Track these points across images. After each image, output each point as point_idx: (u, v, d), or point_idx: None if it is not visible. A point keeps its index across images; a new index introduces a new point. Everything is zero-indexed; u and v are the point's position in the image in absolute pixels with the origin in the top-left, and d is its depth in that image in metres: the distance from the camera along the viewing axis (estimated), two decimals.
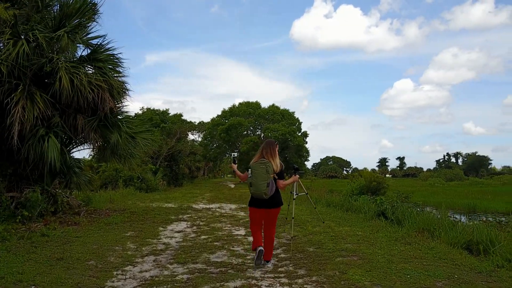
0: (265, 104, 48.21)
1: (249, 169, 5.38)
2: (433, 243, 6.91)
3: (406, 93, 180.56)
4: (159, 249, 6.77)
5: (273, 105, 46.88)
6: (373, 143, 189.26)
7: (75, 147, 11.16)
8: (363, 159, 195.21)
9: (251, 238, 6.50)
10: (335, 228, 8.82)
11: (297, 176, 6.27)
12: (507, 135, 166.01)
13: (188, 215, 11.55)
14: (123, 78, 10.70)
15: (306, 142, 46.47)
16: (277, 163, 5.39)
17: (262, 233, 5.70)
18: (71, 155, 11.30)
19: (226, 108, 48.03)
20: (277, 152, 5.51)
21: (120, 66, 10.51)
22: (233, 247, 7.03)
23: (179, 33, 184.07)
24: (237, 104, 48.10)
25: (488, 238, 6.48)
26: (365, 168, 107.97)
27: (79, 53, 10.40)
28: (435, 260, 5.84)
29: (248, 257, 6.20)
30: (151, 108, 36.05)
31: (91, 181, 12.54)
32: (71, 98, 9.14)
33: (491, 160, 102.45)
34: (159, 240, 7.62)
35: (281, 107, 47.06)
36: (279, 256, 6.26)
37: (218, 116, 47.81)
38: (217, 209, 13.43)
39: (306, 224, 9.41)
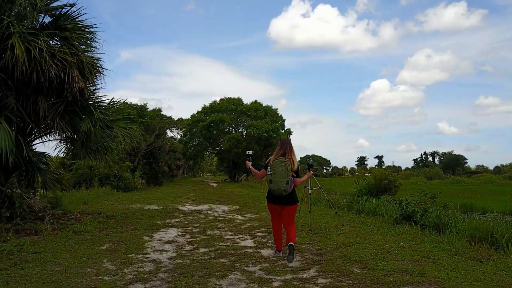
0: (247, 100, 46.24)
1: (268, 167, 5.56)
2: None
3: (382, 93, 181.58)
4: (148, 271, 4.85)
5: (255, 101, 44.96)
6: (350, 142, 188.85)
7: (37, 138, 9.05)
8: (341, 157, 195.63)
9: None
10: (365, 237, 7.09)
11: (311, 172, 6.62)
12: (478, 135, 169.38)
13: (176, 220, 9.61)
14: (97, 55, 8.69)
15: (290, 140, 44.84)
16: (296, 162, 5.60)
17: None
18: (33, 147, 9.19)
19: (207, 104, 45.84)
20: (294, 151, 5.72)
21: (93, 39, 8.49)
22: (247, 266, 5.18)
23: (152, 30, 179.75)
24: (218, 100, 46.00)
25: None
26: (344, 167, 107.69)
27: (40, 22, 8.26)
28: None
29: (275, 283, 4.39)
30: (128, 102, 33.57)
31: (60, 179, 10.42)
32: (29, 75, 7.09)
33: (466, 159, 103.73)
34: (146, 256, 5.70)
35: (264, 103, 45.28)
36: (318, 281, 4.47)
37: (198, 112, 45.46)
38: (208, 212, 11.52)
39: (328, 231, 7.66)
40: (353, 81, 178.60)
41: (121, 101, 9.81)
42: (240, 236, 7.43)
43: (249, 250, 6.15)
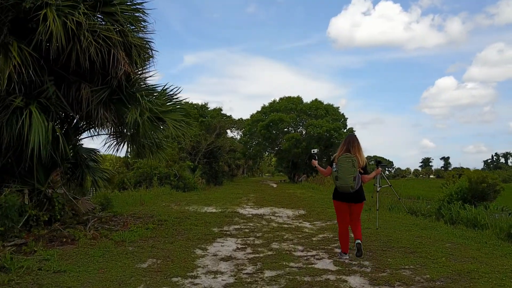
0: (307, 99, 44.21)
1: (334, 164, 5.35)
2: None
3: (448, 91, 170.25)
4: None
5: (316, 100, 42.81)
6: (413, 142, 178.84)
7: (83, 132, 8.05)
8: (404, 159, 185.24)
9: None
10: (486, 260, 5.13)
11: (380, 169, 6.14)
12: None
13: (235, 226, 8.17)
14: (148, 35, 7.48)
15: (355, 135, 42.16)
16: (363, 158, 5.34)
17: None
18: (80, 143, 8.23)
19: (266, 104, 44.52)
20: (361, 147, 5.43)
21: (142, 17, 7.28)
22: None
23: (215, 34, 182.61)
24: (277, 99, 44.45)
25: None
26: (407, 169, 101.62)
27: None
28: None
29: None
30: (189, 102, 33.10)
31: (111, 178, 9.44)
32: (66, 56, 5.98)
33: None
34: (195, 282, 4.25)
35: (325, 102, 43.00)
36: None
37: (257, 112, 44.28)
38: (271, 217, 9.97)
39: (426, 249, 5.77)
40: (416, 79, 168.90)
41: (177, 93, 8.52)
42: (314, 253, 5.78)
43: (331, 277, 4.49)
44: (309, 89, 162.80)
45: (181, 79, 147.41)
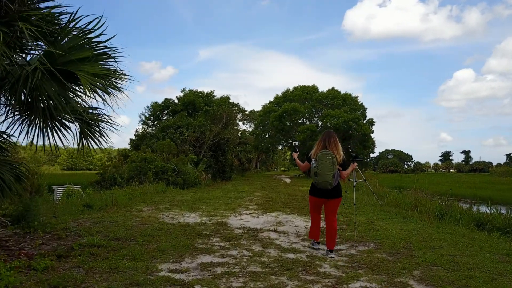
0: (322, 88, 40.26)
1: (313, 159, 5.23)
2: None
3: (467, 83, 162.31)
4: None
5: (332, 88, 38.79)
6: (431, 136, 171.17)
7: None
8: (422, 152, 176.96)
9: None
10: None
11: (355, 164, 5.88)
12: None
13: (204, 259, 4.65)
14: None
15: (372, 131, 38.05)
16: (341, 155, 5.24)
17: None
18: None
19: (279, 94, 40.81)
20: (338, 143, 5.29)
21: None
22: None
23: (228, 29, 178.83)
24: (291, 88, 40.68)
25: None
26: (426, 163, 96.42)
27: None
28: None
29: None
30: (194, 90, 29.62)
31: (27, 176, 6.08)
32: None
33: None
34: None
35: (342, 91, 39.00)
36: None
37: (270, 102, 40.58)
38: (271, 235, 6.43)
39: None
40: (434, 72, 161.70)
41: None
42: None
43: None
44: (323, 82, 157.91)
45: (196, 74, 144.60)
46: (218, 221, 7.58)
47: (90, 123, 5.41)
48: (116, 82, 4.59)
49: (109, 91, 4.44)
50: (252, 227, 7.04)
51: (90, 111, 5.45)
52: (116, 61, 4.69)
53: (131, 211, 9.00)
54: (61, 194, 12.66)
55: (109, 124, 5.58)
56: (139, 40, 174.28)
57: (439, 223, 8.22)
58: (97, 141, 5.61)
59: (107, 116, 5.50)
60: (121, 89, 4.56)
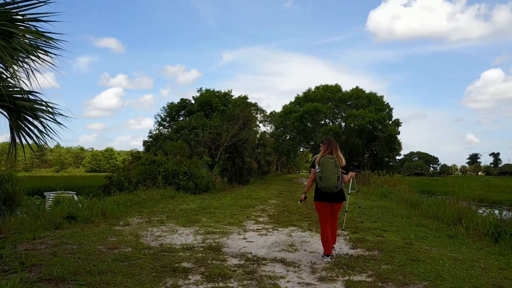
0: (345, 88, 38.02)
1: (317, 165, 5.19)
2: None
3: (495, 84, 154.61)
4: None
5: (356, 87, 36.53)
6: (457, 138, 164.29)
7: None
8: (448, 154, 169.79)
9: None
10: None
11: (354, 172, 6.24)
12: None
13: None
14: None
15: (399, 132, 35.58)
16: (342, 159, 5.29)
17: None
18: None
19: (300, 94, 38.85)
20: (339, 148, 5.38)
21: None
22: None
23: (251, 31, 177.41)
24: (313, 88, 38.65)
25: None
26: (453, 165, 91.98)
27: None
28: None
29: None
30: (211, 90, 28.08)
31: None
32: None
33: None
34: None
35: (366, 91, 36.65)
36: None
37: (291, 103, 38.66)
38: (277, 267, 4.63)
39: None
40: (460, 72, 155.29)
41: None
42: None
43: None
44: (347, 84, 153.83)
45: (219, 77, 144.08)
46: (213, 243, 5.86)
47: (23, 111, 3.82)
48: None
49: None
50: (253, 254, 5.28)
51: (21, 95, 3.85)
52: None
53: (115, 226, 7.43)
54: (51, 201, 11.28)
55: (51, 113, 3.98)
56: (165, 44, 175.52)
57: (499, 247, 6.26)
58: (34, 137, 4.02)
59: (45, 102, 3.90)
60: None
